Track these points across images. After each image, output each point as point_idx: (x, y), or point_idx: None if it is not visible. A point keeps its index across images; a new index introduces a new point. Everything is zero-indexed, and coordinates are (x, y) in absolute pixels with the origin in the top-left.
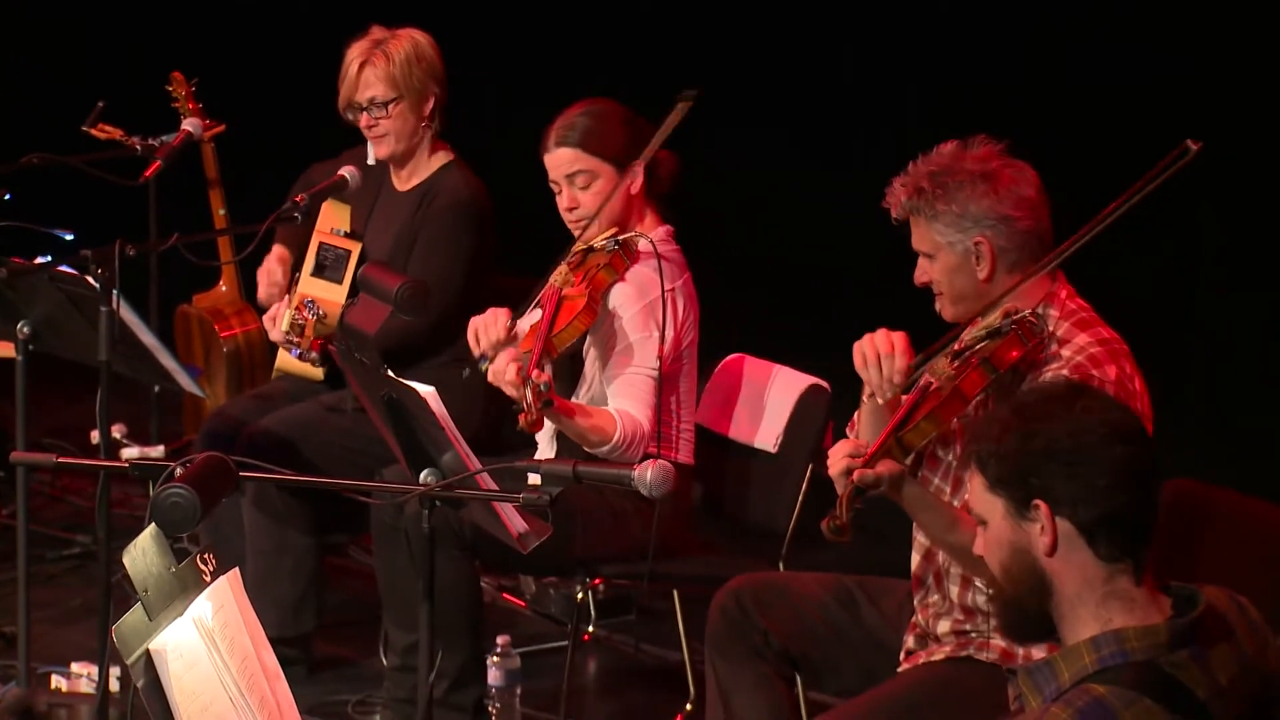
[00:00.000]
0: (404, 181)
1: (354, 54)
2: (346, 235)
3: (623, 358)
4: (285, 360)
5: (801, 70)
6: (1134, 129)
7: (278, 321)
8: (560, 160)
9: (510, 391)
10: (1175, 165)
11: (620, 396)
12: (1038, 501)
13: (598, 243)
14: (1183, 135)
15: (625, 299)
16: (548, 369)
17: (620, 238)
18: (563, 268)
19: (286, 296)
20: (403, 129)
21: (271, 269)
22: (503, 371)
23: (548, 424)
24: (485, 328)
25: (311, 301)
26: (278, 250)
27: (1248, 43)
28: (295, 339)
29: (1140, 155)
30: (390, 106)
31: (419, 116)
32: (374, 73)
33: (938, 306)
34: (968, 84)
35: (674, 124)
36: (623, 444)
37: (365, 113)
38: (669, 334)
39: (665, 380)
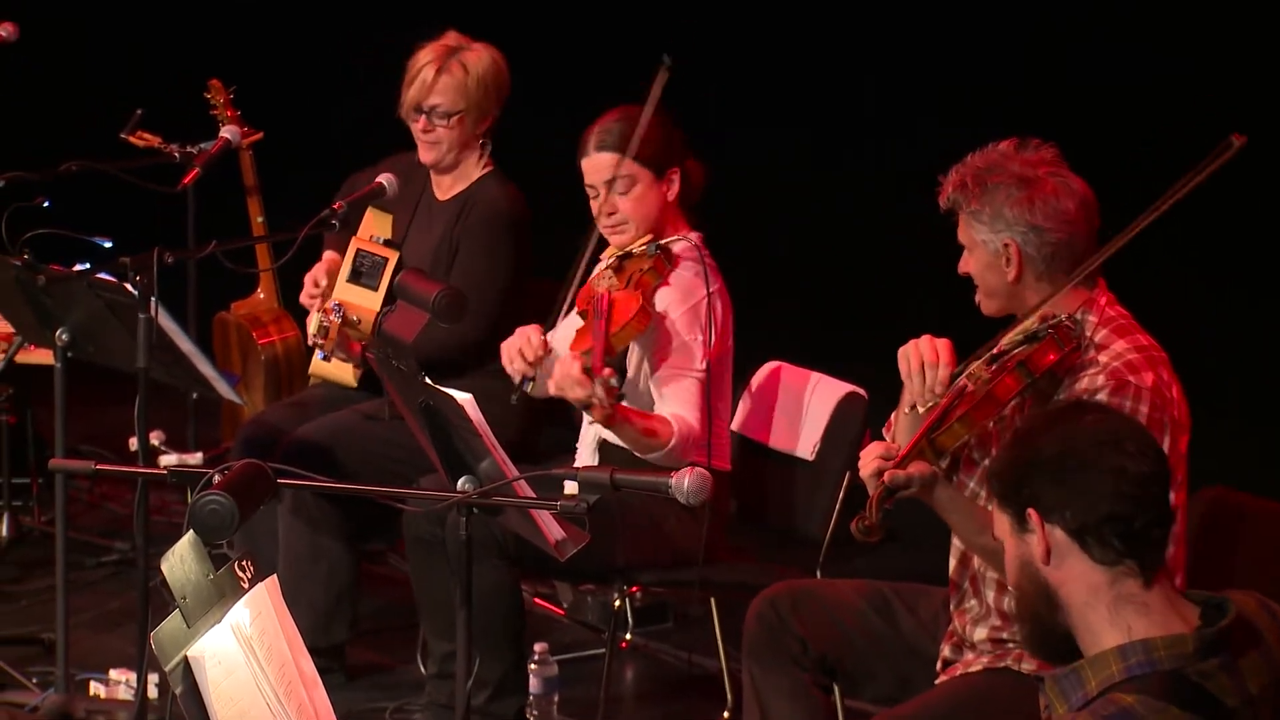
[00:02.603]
0: (444, 190)
1: (429, 56)
2: (385, 243)
3: (670, 361)
4: (318, 364)
5: (831, 74)
6: (1133, 129)
7: (309, 325)
8: (600, 165)
9: (577, 392)
10: (1218, 160)
11: (671, 400)
12: (1029, 510)
13: (636, 248)
14: (1184, 135)
15: (670, 302)
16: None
17: (661, 242)
18: (606, 272)
19: (318, 304)
20: (457, 141)
21: (317, 274)
22: (568, 372)
23: (589, 434)
24: (524, 346)
25: (338, 305)
26: (328, 256)
27: (1248, 43)
28: (320, 340)
29: (1141, 156)
30: (453, 118)
31: (475, 131)
32: (450, 81)
33: (976, 299)
34: (969, 84)
35: (657, 94)
36: (677, 448)
37: (426, 117)
38: (713, 336)
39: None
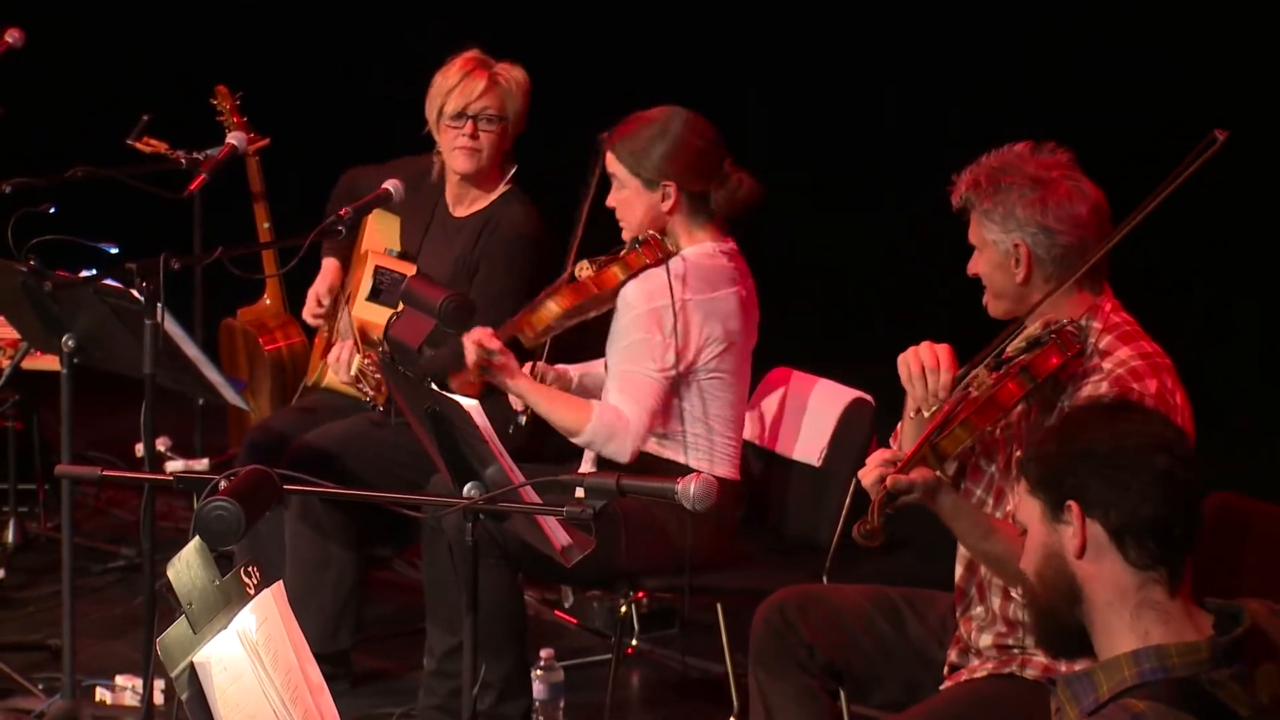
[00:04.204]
0: (463, 207)
1: (467, 66)
2: (400, 256)
3: (621, 355)
4: (331, 379)
5: (833, 76)
6: (1135, 128)
7: (343, 362)
8: (607, 160)
9: (468, 358)
10: (1202, 157)
11: (612, 391)
12: (1070, 503)
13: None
14: (1186, 135)
15: (634, 298)
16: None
17: (641, 237)
18: (584, 262)
19: (352, 339)
20: (496, 150)
21: (320, 292)
22: (468, 339)
23: None
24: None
25: (384, 350)
26: (329, 265)
27: (1249, 42)
28: (369, 391)
29: (1144, 156)
30: (496, 124)
31: (508, 144)
32: (495, 88)
33: (984, 300)
34: (975, 86)
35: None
36: (598, 437)
37: (473, 120)
38: (678, 342)
39: (689, 391)
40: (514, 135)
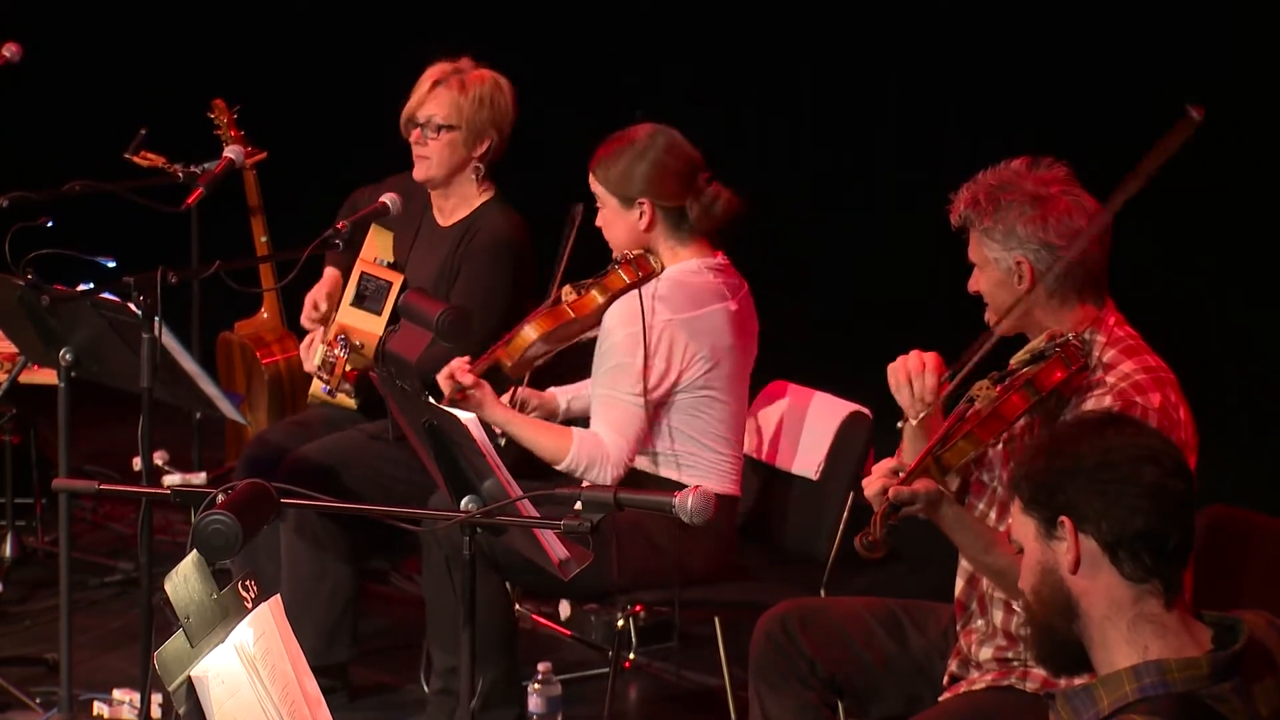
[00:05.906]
0: (446, 216)
1: (433, 72)
2: (389, 266)
3: (602, 380)
4: (320, 392)
5: (842, 92)
6: (1138, 128)
7: (312, 352)
8: (590, 181)
9: (444, 388)
10: (1178, 136)
11: (595, 416)
12: (1063, 518)
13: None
14: (1192, 136)
15: (612, 323)
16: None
17: (622, 256)
18: (568, 286)
19: (323, 328)
20: (448, 159)
21: (317, 296)
22: (442, 372)
23: None
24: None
25: (344, 337)
26: (329, 274)
27: (1251, 41)
28: (325, 375)
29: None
30: (443, 132)
31: (469, 153)
32: (446, 94)
33: (986, 316)
34: (974, 98)
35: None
36: (578, 464)
37: (419, 129)
38: (659, 365)
39: (677, 410)
40: (478, 144)
